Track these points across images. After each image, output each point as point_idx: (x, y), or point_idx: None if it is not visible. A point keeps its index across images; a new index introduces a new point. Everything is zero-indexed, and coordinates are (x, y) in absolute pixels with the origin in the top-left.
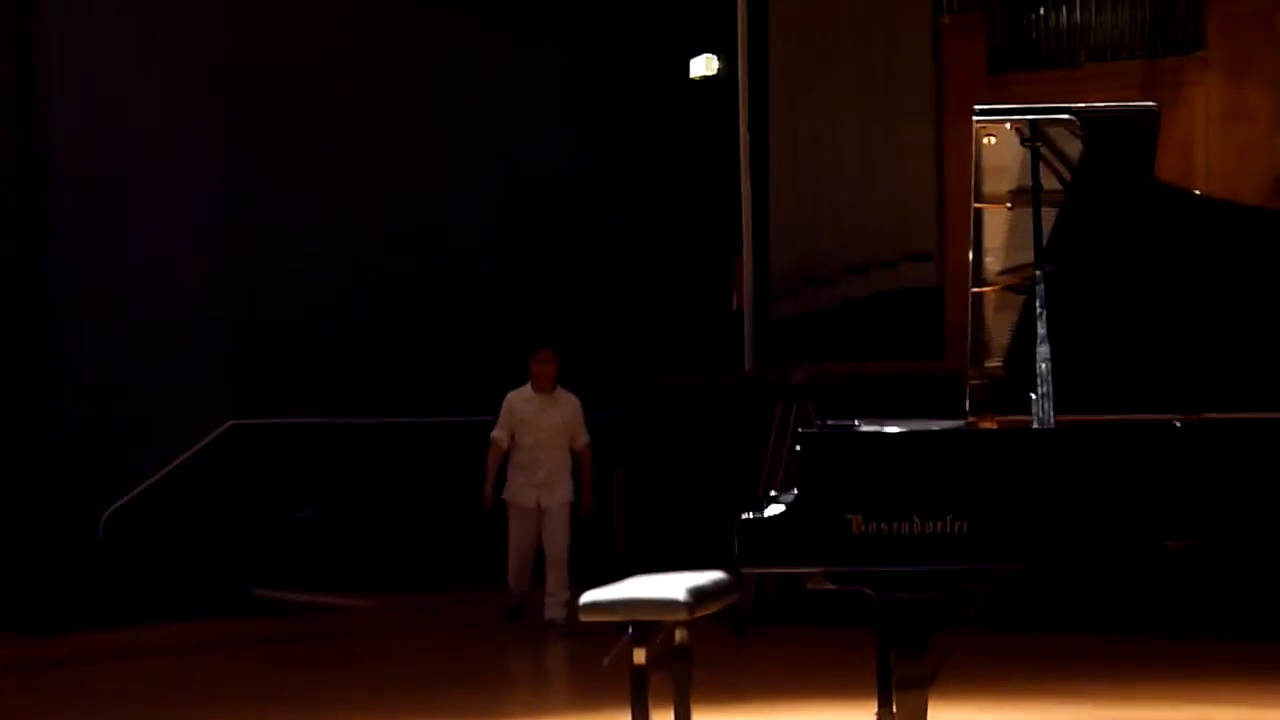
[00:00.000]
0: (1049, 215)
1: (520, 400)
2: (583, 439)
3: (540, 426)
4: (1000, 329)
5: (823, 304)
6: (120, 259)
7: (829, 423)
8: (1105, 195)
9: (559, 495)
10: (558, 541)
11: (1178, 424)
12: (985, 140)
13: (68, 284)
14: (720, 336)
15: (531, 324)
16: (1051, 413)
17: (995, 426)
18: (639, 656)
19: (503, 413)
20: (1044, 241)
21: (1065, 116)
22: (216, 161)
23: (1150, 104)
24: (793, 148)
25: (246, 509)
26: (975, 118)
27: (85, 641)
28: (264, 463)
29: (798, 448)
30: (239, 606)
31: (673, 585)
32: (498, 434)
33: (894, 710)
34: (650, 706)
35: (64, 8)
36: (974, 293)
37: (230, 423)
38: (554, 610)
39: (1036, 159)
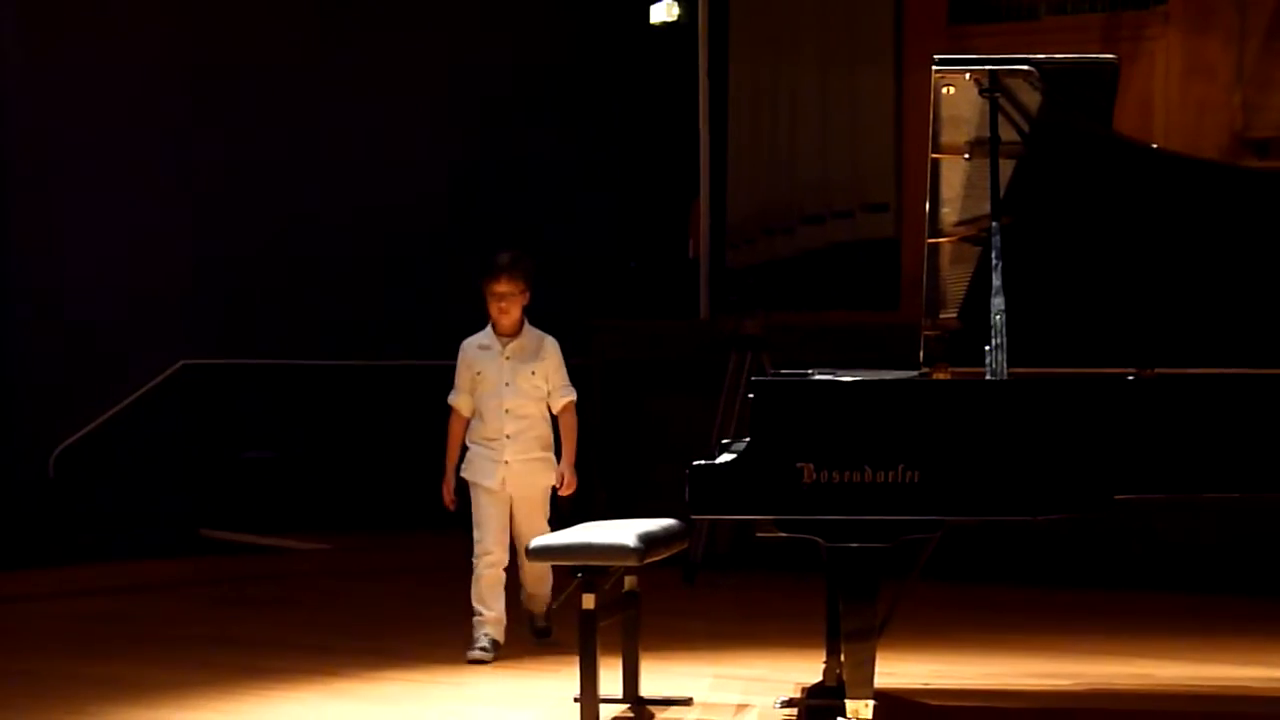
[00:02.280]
0: (1006, 167)
1: (477, 349)
2: (564, 396)
3: (505, 382)
4: (956, 280)
5: (779, 253)
6: (74, 199)
7: (783, 372)
8: (1063, 148)
9: (534, 478)
10: (535, 535)
11: (1131, 378)
12: (944, 90)
13: (19, 224)
14: (675, 284)
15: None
16: (1005, 365)
17: (949, 378)
18: (588, 602)
19: (459, 368)
20: (1001, 193)
21: (1024, 67)
22: (173, 102)
23: (1109, 56)
24: (752, 96)
25: (197, 449)
26: (935, 68)
27: (32, 579)
28: (215, 403)
29: (751, 395)
30: (187, 547)
31: (623, 531)
32: (456, 399)
33: (842, 659)
34: (599, 652)
35: None
36: (930, 244)
37: (182, 362)
38: (531, 607)
39: (995, 110)
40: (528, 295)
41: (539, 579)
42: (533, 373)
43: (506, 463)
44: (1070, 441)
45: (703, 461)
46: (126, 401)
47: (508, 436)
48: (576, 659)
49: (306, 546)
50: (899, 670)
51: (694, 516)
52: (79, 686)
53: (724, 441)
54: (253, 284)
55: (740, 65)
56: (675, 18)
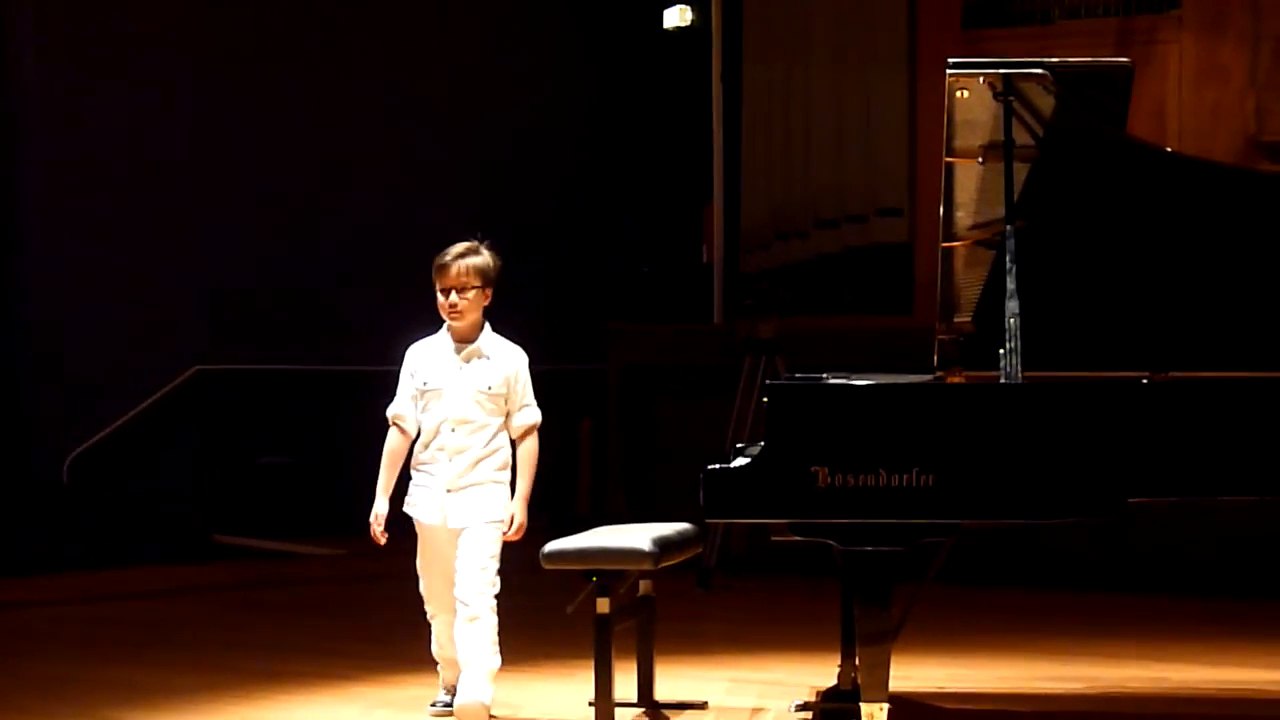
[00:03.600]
0: (1020, 170)
1: (426, 355)
2: (525, 419)
3: (454, 394)
4: (970, 284)
5: (793, 258)
6: (89, 205)
7: (797, 376)
8: (1077, 151)
9: (478, 508)
10: (471, 581)
11: (1145, 381)
12: (958, 94)
13: (35, 230)
14: (690, 289)
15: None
16: (1019, 368)
17: (963, 381)
18: (603, 606)
19: (401, 375)
20: (1015, 197)
21: (1038, 71)
22: (186, 107)
23: (1124, 60)
24: (765, 100)
25: (211, 455)
26: (949, 71)
27: (47, 585)
28: (230, 408)
29: (765, 399)
30: (202, 552)
31: (637, 535)
32: (397, 408)
33: (857, 663)
34: (614, 656)
35: None
36: (944, 247)
37: (197, 368)
38: (469, 692)
39: (1009, 113)
40: (489, 295)
41: (469, 643)
42: (489, 387)
43: (448, 491)
44: (1084, 445)
45: (717, 465)
46: (141, 407)
47: (451, 459)
48: (591, 663)
49: (321, 551)
50: (914, 674)
51: (709, 520)
52: (94, 691)
53: (739, 445)
54: (267, 289)
55: (754, 70)
56: (689, 22)
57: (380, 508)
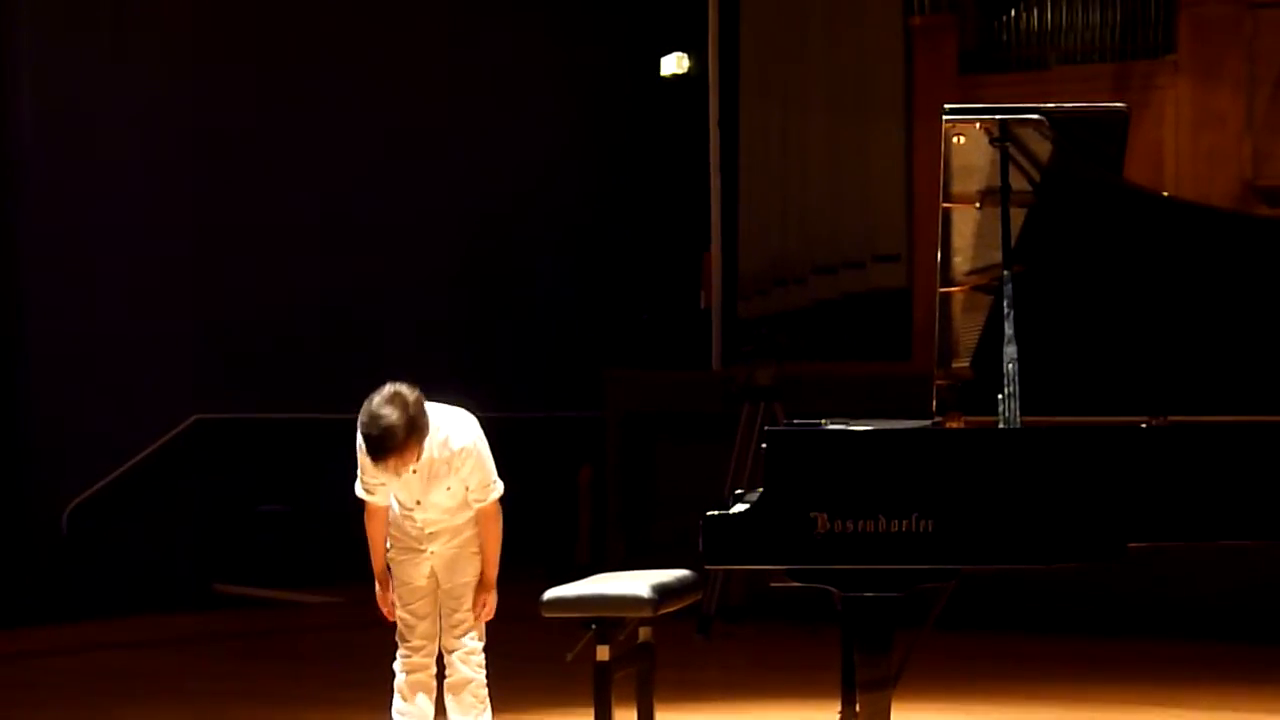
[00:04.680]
0: (1017, 216)
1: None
2: (485, 499)
3: (417, 500)
4: (968, 329)
5: (791, 304)
6: (87, 255)
7: (795, 422)
8: (1074, 196)
9: (464, 565)
10: (459, 631)
11: (1143, 426)
12: (955, 140)
13: (33, 279)
14: (688, 335)
15: (501, 319)
16: (1018, 413)
17: (962, 427)
18: (602, 653)
19: (363, 464)
20: (1012, 242)
21: (1035, 116)
22: (184, 156)
23: (1119, 105)
24: (762, 147)
25: (210, 504)
26: (945, 117)
27: (46, 636)
28: (228, 457)
29: (764, 446)
30: (201, 601)
31: (636, 583)
32: (363, 494)
33: (857, 710)
34: (613, 704)
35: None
36: (941, 293)
37: (195, 417)
38: None
39: (1006, 159)
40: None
41: (467, 704)
42: (448, 488)
43: (432, 552)
44: (1084, 490)
45: (716, 512)
46: (140, 456)
47: (431, 540)
48: (591, 711)
49: (321, 600)
50: None
51: (708, 567)
52: None
53: (738, 492)
54: (266, 339)
55: (750, 116)
56: (686, 70)
57: (387, 586)
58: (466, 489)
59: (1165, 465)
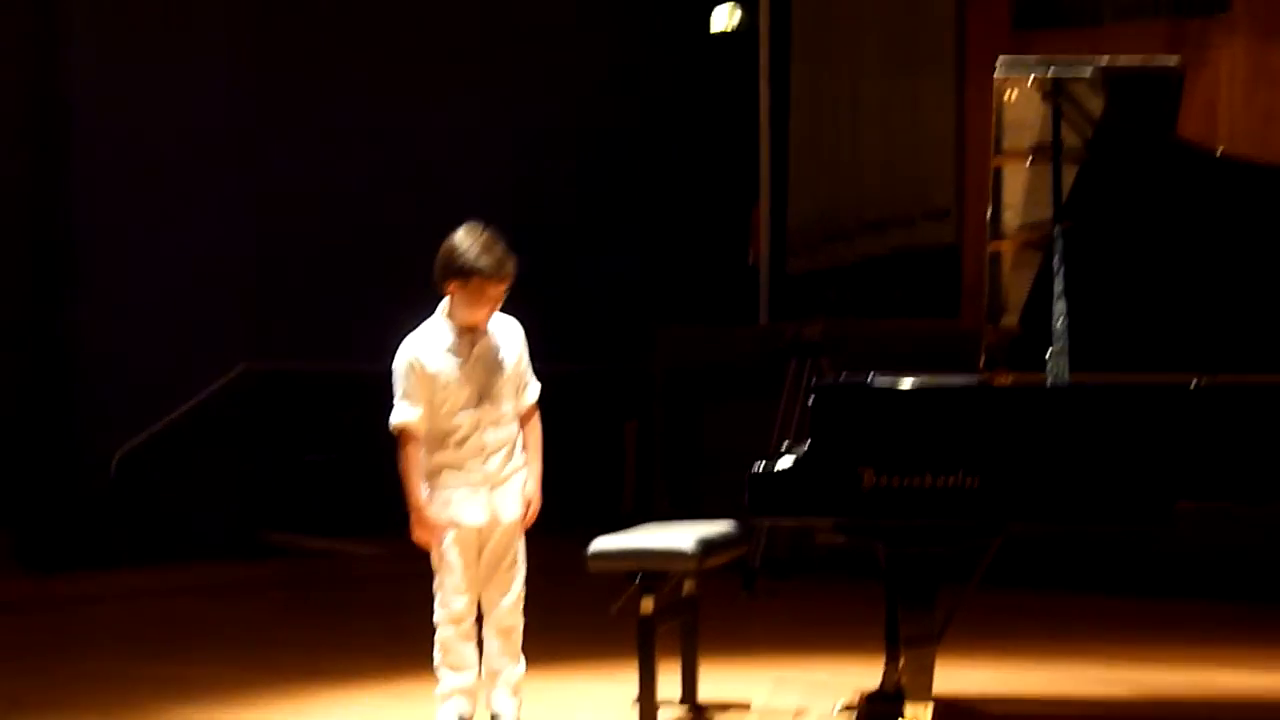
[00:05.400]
0: (1069, 172)
1: (433, 350)
2: (530, 395)
3: (479, 394)
4: (1017, 286)
5: (840, 260)
6: (141, 202)
7: (843, 377)
8: (1126, 153)
9: (517, 494)
10: (511, 580)
11: (1193, 385)
12: (1007, 95)
13: (87, 227)
14: (736, 291)
15: (549, 273)
16: (1067, 370)
17: (1010, 383)
18: (647, 606)
19: (406, 377)
20: (1063, 198)
21: (1088, 72)
22: (238, 105)
23: (1174, 61)
24: (813, 102)
25: (258, 452)
26: (997, 72)
27: (93, 582)
28: (276, 407)
29: (811, 400)
30: (248, 550)
31: (682, 535)
32: (412, 415)
33: (901, 666)
34: (657, 656)
35: None
36: (991, 249)
37: (244, 366)
38: (501, 702)
39: (1058, 115)
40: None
41: (512, 649)
42: (505, 374)
43: (491, 489)
44: (1131, 449)
45: (762, 465)
46: (189, 405)
47: (490, 457)
48: (635, 663)
49: (367, 549)
50: (958, 676)
51: (754, 520)
52: (140, 687)
53: (784, 446)
54: (314, 289)
55: (801, 71)
56: (737, 24)
57: (427, 518)
58: (518, 383)
59: (1214, 425)
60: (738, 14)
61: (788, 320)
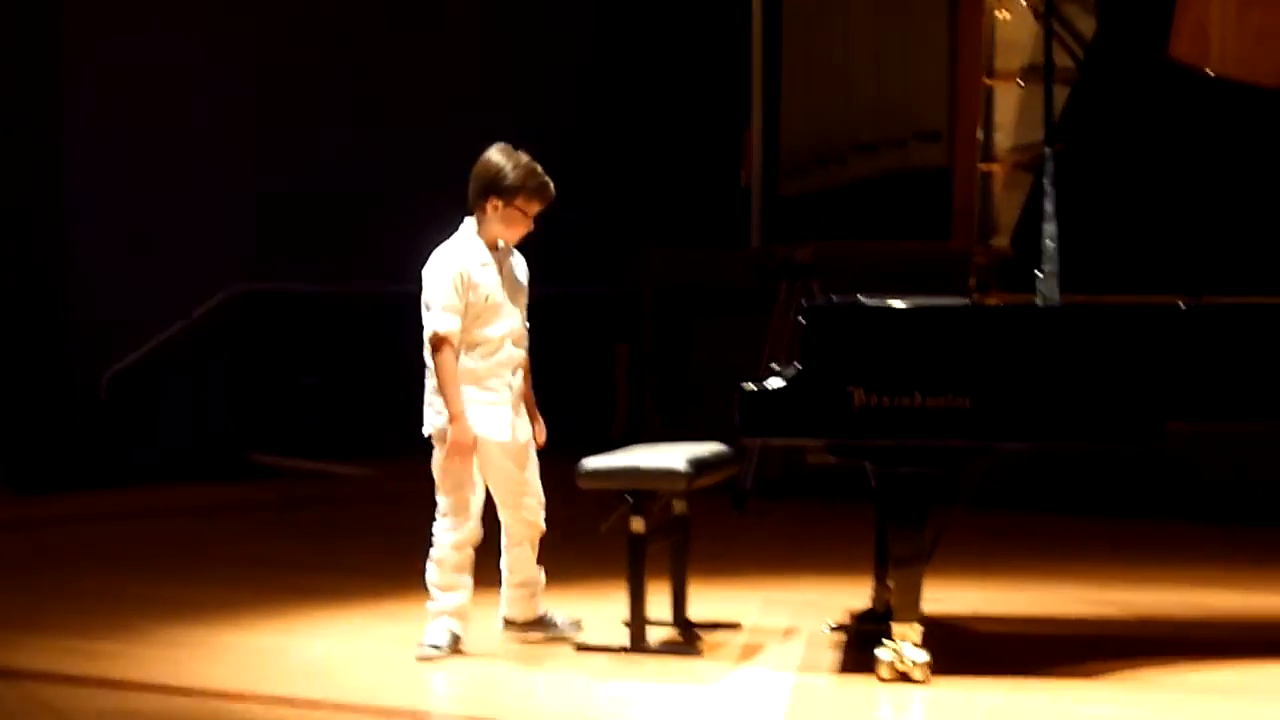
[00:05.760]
0: (1060, 93)
1: (474, 262)
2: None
3: (510, 304)
4: (1008, 207)
5: (831, 182)
6: (127, 127)
7: (834, 297)
8: (1118, 74)
9: (526, 418)
10: (539, 490)
11: (1182, 305)
12: (999, 15)
13: (75, 149)
14: (728, 212)
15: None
16: (1057, 291)
17: (1000, 304)
18: (637, 525)
19: (453, 286)
20: (1054, 120)
21: None
22: (226, 20)
23: None
24: (805, 24)
25: (249, 374)
26: None
27: (82, 502)
28: (266, 329)
29: (802, 320)
30: (237, 471)
31: (672, 455)
32: (452, 326)
33: (890, 585)
34: (647, 576)
35: None
36: (983, 169)
37: (234, 287)
38: (520, 607)
39: (1049, 35)
40: None
41: (533, 558)
42: (525, 291)
43: (511, 388)
44: (1121, 369)
45: (752, 384)
46: (179, 326)
47: (516, 370)
48: (625, 582)
49: (355, 471)
50: (947, 597)
51: (743, 439)
52: (126, 605)
53: (773, 366)
54: (303, 212)
55: None
56: None
57: (467, 425)
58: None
59: (1203, 345)
60: None
61: (779, 242)
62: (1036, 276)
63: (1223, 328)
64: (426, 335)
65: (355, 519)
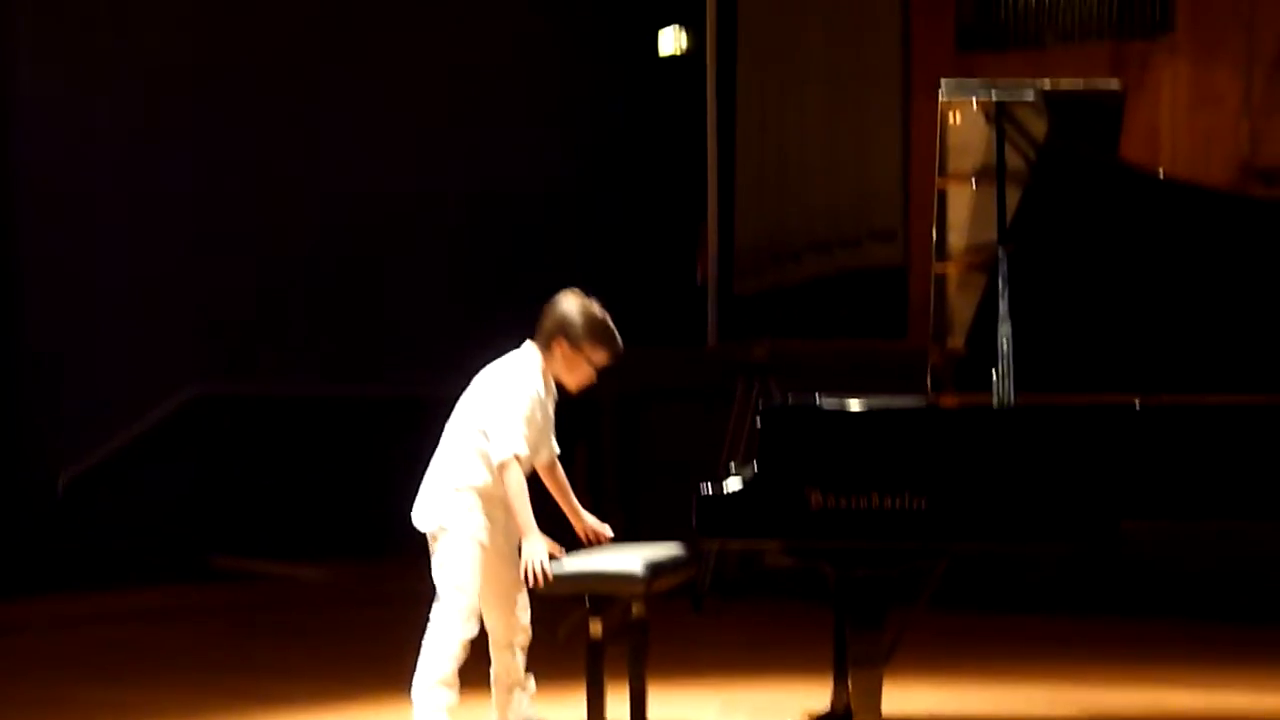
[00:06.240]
0: (1013, 193)
1: (545, 396)
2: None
3: (544, 439)
4: (963, 307)
5: (787, 280)
6: (87, 223)
7: (790, 398)
8: (1069, 175)
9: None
10: (525, 599)
11: (1136, 405)
12: (951, 117)
13: (34, 247)
14: (683, 311)
15: (497, 295)
16: (1012, 391)
17: (956, 404)
18: (595, 629)
19: (532, 408)
20: (1008, 220)
21: (1030, 94)
22: (187, 125)
23: (1115, 84)
24: (759, 122)
25: (209, 476)
26: (941, 94)
27: (42, 606)
28: (227, 431)
29: (759, 422)
30: (198, 574)
31: (630, 558)
32: (526, 448)
33: (850, 686)
34: (606, 680)
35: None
36: (937, 270)
37: (194, 390)
38: (533, 711)
39: (1001, 137)
40: None
41: (519, 668)
42: (552, 426)
43: (507, 510)
44: (1076, 468)
45: (710, 486)
46: (139, 427)
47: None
48: (584, 686)
49: (316, 573)
50: (906, 698)
51: (701, 540)
52: (85, 713)
53: (731, 467)
54: (262, 315)
55: (748, 91)
56: (684, 45)
57: (545, 545)
58: None
59: (1157, 444)
60: (684, 35)
61: (735, 341)
62: (992, 377)
63: (1176, 426)
64: (499, 451)
65: (318, 622)
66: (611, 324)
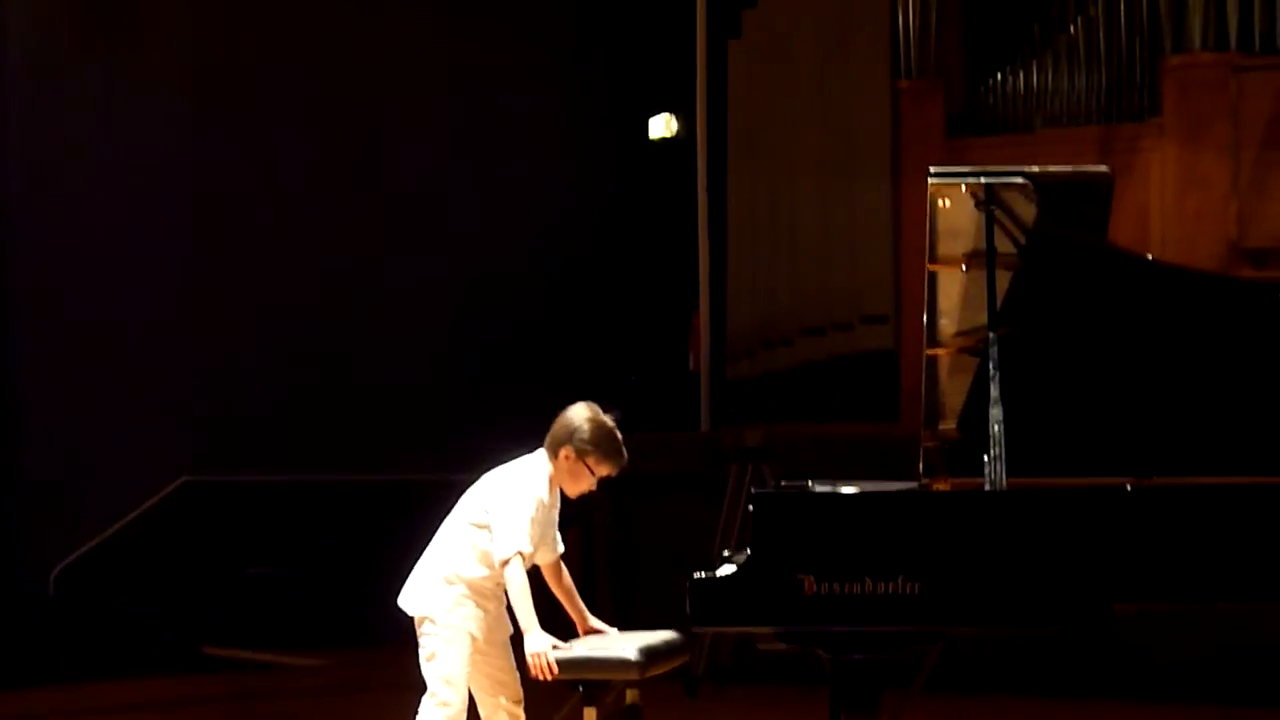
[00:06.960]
0: (1003, 278)
1: (548, 502)
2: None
3: (544, 541)
4: (954, 391)
5: (779, 365)
6: (77, 313)
7: (783, 483)
8: (1059, 259)
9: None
10: (518, 688)
11: (1128, 488)
12: (940, 203)
13: (22, 339)
14: (676, 397)
15: (489, 382)
16: (1004, 475)
17: (948, 489)
18: (589, 716)
19: (537, 508)
20: (998, 304)
21: (1019, 180)
22: (177, 215)
23: (1103, 168)
24: (750, 209)
25: (200, 566)
26: (930, 180)
27: (33, 699)
28: (217, 519)
29: (751, 508)
30: (190, 664)
31: (624, 645)
32: (529, 546)
33: None
34: None
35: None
36: (928, 354)
37: (184, 479)
38: None
39: (991, 222)
40: None
41: None
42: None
43: (499, 600)
44: (1069, 551)
45: (704, 573)
46: (128, 518)
47: None
48: None
49: (310, 662)
50: None
51: (695, 628)
52: None
53: (725, 553)
54: (255, 402)
55: (739, 177)
56: (674, 132)
57: (547, 643)
58: None
59: (1150, 527)
60: (675, 122)
61: (729, 426)
62: (984, 461)
63: (1167, 508)
64: (503, 547)
65: (312, 711)
66: (620, 437)
